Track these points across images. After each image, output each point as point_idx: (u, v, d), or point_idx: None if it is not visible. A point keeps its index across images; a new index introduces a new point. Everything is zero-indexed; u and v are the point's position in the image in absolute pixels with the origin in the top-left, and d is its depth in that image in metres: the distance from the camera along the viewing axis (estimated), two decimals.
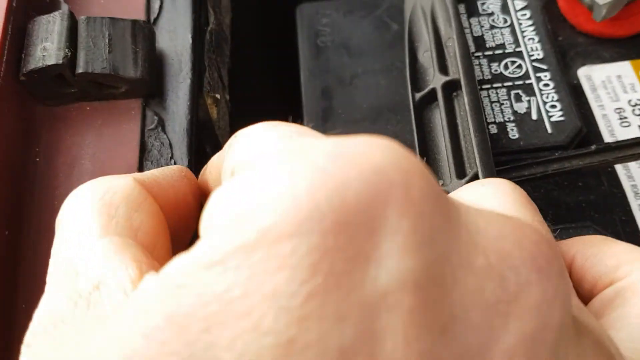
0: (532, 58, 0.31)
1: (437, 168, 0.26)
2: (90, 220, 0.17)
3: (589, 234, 0.27)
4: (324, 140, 0.13)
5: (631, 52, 0.32)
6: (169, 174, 0.20)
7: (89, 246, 0.16)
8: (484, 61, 0.31)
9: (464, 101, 0.25)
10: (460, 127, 0.26)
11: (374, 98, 0.32)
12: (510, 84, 0.30)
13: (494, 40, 0.32)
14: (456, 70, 0.26)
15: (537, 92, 0.30)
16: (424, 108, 0.27)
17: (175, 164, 0.24)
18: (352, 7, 0.36)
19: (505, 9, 0.33)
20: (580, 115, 0.29)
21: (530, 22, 0.32)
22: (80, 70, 0.24)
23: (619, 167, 0.29)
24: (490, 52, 0.31)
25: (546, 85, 0.30)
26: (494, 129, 0.29)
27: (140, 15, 0.27)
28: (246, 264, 0.11)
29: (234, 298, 0.11)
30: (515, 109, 0.29)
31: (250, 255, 0.11)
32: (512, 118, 0.29)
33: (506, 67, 0.31)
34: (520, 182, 0.24)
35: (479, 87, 0.28)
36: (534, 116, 0.29)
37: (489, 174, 0.24)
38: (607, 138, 0.30)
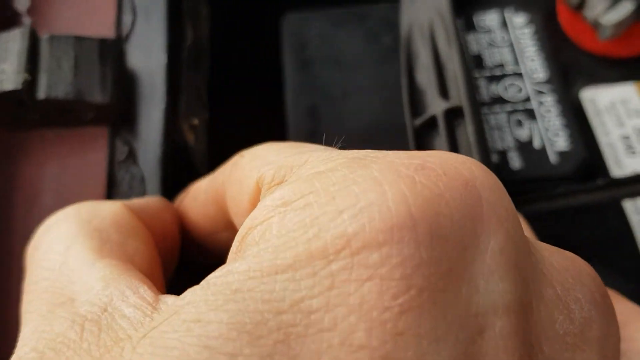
0: (533, 80, 0.29)
1: None
2: (81, 245, 0.15)
3: None
4: (387, 152, 0.12)
5: (636, 73, 0.31)
6: (153, 203, 0.19)
7: (84, 271, 0.14)
8: (482, 82, 0.29)
9: (466, 130, 0.24)
10: None
11: (366, 118, 0.30)
12: (510, 108, 0.28)
13: (492, 60, 0.30)
14: (457, 94, 0.24)
15: (539, 118, 0.28)
16: (424, 135, 0.25)
17: None
18: (341, 18, 0.33)
19: (504, 25, 0.31)
20: (585, 143, 0.27)
21: (530, 41, 0.30)
22: (41, 95, 0.21)
23: (625, 201, 0.27)
24: (488, 73, 0.29)
25: (548, 110, 0.28)
26: (494, 158, 0.27)
27: (110, 31, 0.24)
28: (325, 272, 0.10)
29: (313, 308, 0.10)
30: (516, 135, 0.28)
31: (331, 263, 0.10)
32: (512, 146, 0.27)
33: (505, 89, 0.29)
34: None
35: None
36: (537, 144, 0.27)
37: None
38: (613, 167, 0.28)
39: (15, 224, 0.21)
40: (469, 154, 0.23)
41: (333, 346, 0.10)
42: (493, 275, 0.11)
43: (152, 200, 0.19)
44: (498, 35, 0.31)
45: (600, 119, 0.29)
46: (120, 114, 0.23)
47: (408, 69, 0.27)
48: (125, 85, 0.23)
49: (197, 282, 0.23)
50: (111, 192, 0.22)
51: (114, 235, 0.16)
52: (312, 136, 0.30)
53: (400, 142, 0.29)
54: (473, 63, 0.30)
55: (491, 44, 0.30)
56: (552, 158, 0.27)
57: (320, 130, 0.30)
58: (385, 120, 0.30)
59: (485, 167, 0.12)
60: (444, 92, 0.25)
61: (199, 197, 0.19)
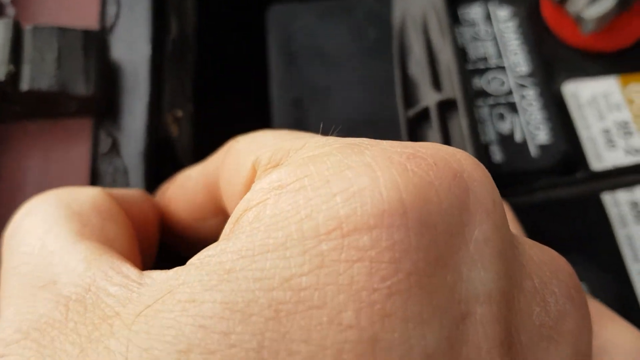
0: (516, 74, 0.29)
1: None
2: (61, 227, 0.15)
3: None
4: (381, 141, 0.13)
5: (617, 67, 0.31)
6: (132, 193, 0.19)
7: (64, 252, 0.14)
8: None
9: (459, 122, 0.24)
10: None
11: (351, 111, 0.30)
12: (492, 102, 0.29)
13: (476, 53, 0.30)
14: (450, 87, 0.25)
15: (520, 112, 0.28)
16: (416, 126, 0.25)
17: None
18: (327, 11, 0.34)
19: (488, 19, 0.31)
20: (566, 136, 0.28)
21: (514, 35, 0.31)
22: (24, 87, 0.21)
23: (604, 194, 0.28)
24: (472, 67, 0.30)
25: (530, 104, 0.28)
26: None
27: (94, 23, 0.24)
28: (315, 251, 0.10)
29: (303, 286, 0.10)
30: (498, 129, 0.28)
31: (321, 243, 0.11)
32: (494, 139, 0.27)
33: (488, 82, 0.29)
34: None
35: None
36: (518, 138, 0.27)
37: None
38: (593, 160, 0.28)
39: None
40: (462, 146, 0.24)
41: (322, 324, 0.10)
42: (476, 264, 0.11)
43: (131, 190, 0.19)
44: (482, 28, 0.31)
45: (581, 112, 0.29)
46: (103, 106, 0.23)
47: (401, 61, 0.27)
48: (108, 77, 0.23)
49: None
50: (94, 185, 0.22)
51: (93, 219, 0.16)
52: (298, 129, 0.30)
53: (386, 136, 0.29)
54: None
55: (475, 38, 0.31)
56: (533, 151, 0.27)
57: (306, 122, 0.30)
58: (371, 114, 0.30)
59: (475, 160, 0.13)
60: (436, 84, 0.26)
61: (187, 184, 0.20)
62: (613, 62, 0.31)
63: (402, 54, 0.28)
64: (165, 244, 0.21)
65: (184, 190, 0.20)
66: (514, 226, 0.19)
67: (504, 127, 0.28)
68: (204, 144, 0.29)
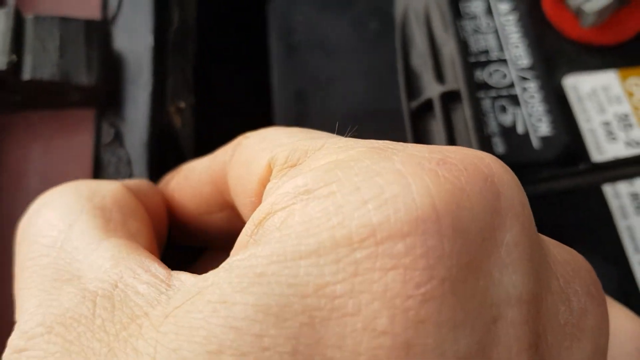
0: (517, 66, 0.29)
1: None
2: (85, 222, 0.15)
3: None
4: (405, 144, 0.13)
5: (617, 61, 0.31)
6: (146, 184, 0.19)
7: (90, 249, 0.14)
8: None
9: (463, 114, 0.24)
10: (458, 142, 0.24)
11: (353, 103, 0.30)
12: (494, 94, 0.29)
13: (477, 46, 0.30)
14: (454, 79, 0.25)
15: (522, 104, 0.28)
16: (420, 118, 0.25)
17: None
18: (328, 2, 0.33)
19: (489, 12, 0.31)
20: (567, 128, 0.28)
21: (515, 28, 0.31)
22: (26, 77, 0.21)
23: (605, 186, 0.28)
24: (473, 59, 0.30)
25: (532, 96, 0.28)
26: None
27: (96, 13, 0.24)
28: (349, 260, 0.10)
29: (337, 294, 0.10)
30: (500, 121, 0.28)
31: (355, 251, 0.11)
32: (496, 131, 0.28)
33: (490, 75, 0.29)
34: None
35: None
36: (520, 130, 0.28)
37: None
38: (594, 153, 0.28)
39: (1, 206, 0.21)
40: (466, 137, 0.24)
41: (356, 330, 0.10)
42: (507, 268, 0.11)
43: (141, 182, 0.19)
44: (483, 21, 0.31)
45: (582, 105, 0.29)
46: (106, 96, 0.23)
47: (403, 53, 0.27)
48: (111, 67, 0.23)
49: (182, 264, 0.23)
50: (97, 175, 0.22)
51: (115, 214, 0.16)
52: (299, 120, 0.30)
53: (387, 127, 0.29)
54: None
55: (476, 31, 0.31)
56: (535, 143, 0.27)
57: (308, 114, 0.30)
58: (372, 106, 0.30)
59: (502, 163, 0.13)
60: (439, 76, 0.26)
61: (192, 177, 0.19)
62: (613, 55, 0.31)
63: (404, 46, 0.28)
64: (171, 235, 0.21)
65: (188, 182, 0.19)
66: None
67: (506, 119, 0.28)
68: (206, 136, 0.29)
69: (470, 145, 0.24)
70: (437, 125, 0.25)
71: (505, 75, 0.29)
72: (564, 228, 0.27)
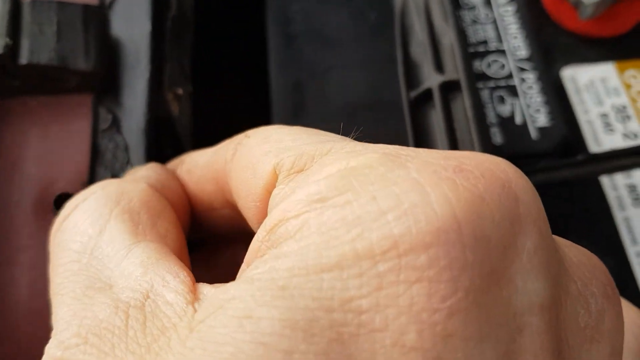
0: (516, 57, 0.29)
1: None
2: (114, 228, 0.15)
3: None
4: (418, 150, 0.13)
5: (615, 53, 0.31)
6: (165, 175, 0.19)
7: (120, 256, 0.14)
8: None
9: (462, 104, 0.24)
10: (458, 132, 0.24)
11: (350, 94, 0.30)
12: (493, 85, 0.29)
13: (475, 37, 0.30)
14: (453, 69, 0.25)
15: (520, 95, 0.28)
16: (419, 108, 0.25)
17: (132, 168, 0.22)
18: None
19: (487, 3, 0.31)
20: (565, 120, 0.28)
21: (513, 19, 0.31)
22: (23, 61, 0.21)
23: (603, 177, 0.28)
24: (472, 50, 0.30)
25: (530, 87, 0.28)
26: None
27: None
28: (372, 273, 0.10)
29: (363, 309, 0.10)
30: (498, 112, 0.28)
31: (377, 263, 0.10)
32: (495, 122, 0.27)
33: (489, 65, 0.29)
34: None
35: None
36: (518, 120, 0.27)
37: None
38: (592, 144, 0.28)
39: None
40: (466, 127, 0.24)
41: (386, 346, 0.10)
42: (529, 275, 0.11)
43: (161, 170, 0.19)
44: (482, 12, 0.31)
45: (580, 97, 0.29)
46: (104, 82, 0.22)
47: (403, 43, 0.27)
48: (109, 53, 0.23)
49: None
50: (95, 161, 0.22)
51: (144, 217, 0.16)
52: (297, 111, 0.30)
53: (386, 118, 0.29)
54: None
55: (475, 21, 0.31)
56: (533, 134, 0.27)
57: (305, 105, 0.30)
58: (370, 97, 0.30)
59: (517, 169, 0.12)
60: (439, 66, 0.26)
61: (195, 172, 0.19)
62: (611, 47, 0.31)
63: (404, 35, 0.28)
64: None
65: (191, 177, 0.19)
66: None
67: (505, 109, 0.28)
68: (204, 125, 0.29)
69: (469, 135, 0.24)
70: (436, 115, 0.25)
71: (503, 66, 0.29)
72: (561, 219, 0.27)
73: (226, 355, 0.10)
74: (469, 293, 0.10)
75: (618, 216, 0.27)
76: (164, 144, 0.24)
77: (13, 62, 0.21)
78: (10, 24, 0.21)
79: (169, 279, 0.13)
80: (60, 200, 0.21)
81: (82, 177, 0.21)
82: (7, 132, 0.22)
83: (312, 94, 0.30)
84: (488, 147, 0.24)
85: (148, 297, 0.13)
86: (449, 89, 0.25)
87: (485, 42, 0.30)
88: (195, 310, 0.12)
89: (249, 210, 0.16)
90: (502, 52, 0.30)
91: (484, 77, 0.29)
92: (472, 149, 0.24)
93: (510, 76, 0.29)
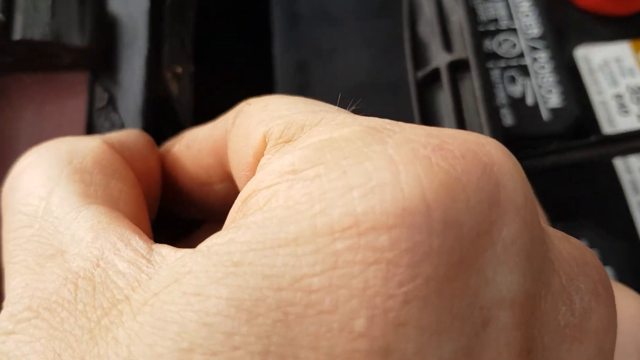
0: (527, 36, 0.28)
1: None
2: (64, 188, 0.14)
3: (582, 234, 0.25)
4: (404, 125, 0.12)
5: (630, 32, 0.30)
6: (135, 138, 0.18)
7: (70, 217, 0.13)
8: None
9: (471, 84, 0.23)
10: (466, 113, 0.23)
11: (356, 73, 0.29)
12: (503, 64, 0.28)
13: (486, 15, 0.29)
14: (462, 47, 0.24)
15: (532, 74, 0.27)
16: (426, 88, 0.25)
17: None
18: None
19: None
20: (578, 100, 0.27)
21: None
22: (17, 36, 0.20)
23: (616, 160, 0.27)
24: (482, 28, 0.29)
25: (542, 67, 0.27)
26: None
27: None
28: (329, 250, 0.10)
29: (314, 288, 0.09)
30: (509, 92, 0.27)
31: (335, 241, 0.10)
32: (505, 102, 0.27)
33: (499, 44, 0.28)
34: None
35: None
36: (529, 101, 0.27)
37: None
38: (605, 126, 0.27)
39: None
40: (474, 109, 0.23)
41: (332, 330, 0.09)
42: (503, 266, 0.10)
43: (132, 134, 0.18)
44: None
45: (593, 77, 0.28)
46: (100, 59, 0.22)
47: (410, 21, 0.26)
48: (105, 30, 0.22)
49: (181, 237, 0.22)
50: None
51: (97, 177, 0.15)
52: (302, 92, 0.29)
53: (393, 99, 0.29)
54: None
55: None
56: (545, 115, 0.26)
57: (310, 85, 0.29)
58: (376, 77, 0.29)
59: (506, 150, 0.11)
60: (447, 45, 0.25)
61: (194, 145, 0.18)
62: (626, 26, 0.30)
63: (411, 14, 0.27)
64: (164, 206, 0.20)
65: (190, 151, 0.19)
66: (541, 217, 0.18)
67: (515, 90, 0.27)
68: (205, 106, 0.28)
69: (478, 117, 0.23)
70: (444, 95, 0.24)
71: (514, 45, 0.28)
72: (572, 202, 0.26)
73: (171, 334, 0.10)
74: (430, 280, 0.09)
75: (632, 200, 0.26)
76: (162, 124, 0.23)
77: (6, 38, 0.20)
78: (3, 0, 0.21)
79: (120, 246, 0.12)
80: None
81: None
82: (1, 109, 0.21)
83: (317, 75, 0.30)
84: (497, 128, 0.23)
85: (98, 265, 0.12)
86: (458, 68, 0.24)
87: (495, 21, 0.29)
88: (149, 278, 0.11)
89: (240, 181, 0.15)
90: (513, 30, 0.29)
91: (495, 56, 0.28)
92: (480, 130, 0.23)
93: (521, 55, 0.28)
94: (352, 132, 0.11)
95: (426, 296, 0.09)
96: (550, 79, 0.27)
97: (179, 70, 0.24)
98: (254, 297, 0.10)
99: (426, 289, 0.09)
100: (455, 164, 0.10)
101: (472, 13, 0.26)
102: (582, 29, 0.30)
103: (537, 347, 0.11)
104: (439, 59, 0.25)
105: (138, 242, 0.12)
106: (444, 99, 0.24)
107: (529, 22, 0.29)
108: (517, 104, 0.27)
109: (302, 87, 0.29)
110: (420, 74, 0.25)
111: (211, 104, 0.29)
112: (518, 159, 0.24)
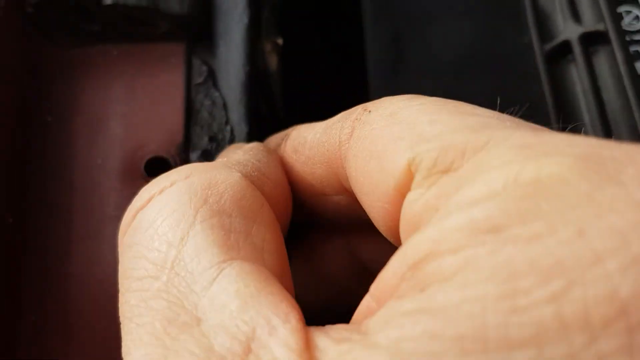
0: None
1: None
2: (199, 234, 0.12)
3: None
4: (628, 148, 0.09)
5: None
6: (266, 161, 0.15)
7: (208, 275, 0.11)
8: None
9: (608, 59, 0.20)
10: (604, 93, 0.20)
11: (457, 46, 0.26)
12: (628, 38, 0.25)
13: None
14: (592, 18, 0.21)
15: None
16: (553, 64, 0.22)
17: (231, 130, 0.19)
18: None
19: None
20: None
21: None
22: (108, 1, 0.18)
23: None
24: None
25: None
26: None
27: None
28: (589, 355, 0.07)
29: None
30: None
31: (597, 340, 0.07)
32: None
33: (621, 17, 0.25)
34: None
35: None
36: None
37: None
38: None
39: (77, 154, 0.18)
40: (615, 87, 0.20)
41: None
42: None
43: (263, 156, 0.15)
44: None
45: None
46: (198, 28, 0.19)
47: None
48: None
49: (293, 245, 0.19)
50: (189, 120, 0.19)
51: (237, 221, 0.12)
52: (396, 66, 0.26)
53: (499, 73, 0.26)
54: None
55: None
56: None
57: (405, 59, 0.26)
58: (480, 48, 0.26)
59: None
60: (575, 15, 0.22)
61: (303, 151, 0.16)
62: None
63: None
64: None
65: (298, 156, 0.16)
66: None
67: None
68: (292, 81, 0.25)
69: (618, 95, 0.20)
70: (577, 71, 0.21)
71: (637, 18, 0.25)
72: None
73: None
74: None
75: None
76: (259, 102, 0.21)
77: (96, 2, 0.18)
78: None
79: (275, 323, 0.10)
80: (152, 165, 0.18)
81: (175, 138, 0.18)
82: (88, 86, 0.19)
83: (413, 46, 0.27)
84: None
85: (250, 350, 0.10)
86: (590, 41, 0.22)
87: None
88: None
89: (373, 209, 0.13)
90: (635, 2, 0.26)
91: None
92: (626, 113, 0.20)
93: None
94: (567, 168, 0.09)
95: None
96: None
97: (280, 41, 0.21)
98: None
99: None
100: None
101: None
102: None
103: None
104: (568, 30, 0.22)
105: (296, 320, 0.10)
106: (577, 74, 0.22)
107: None
108: None
109: (397, 61, 0.26)
110: (547, 46, 0.22)
111: (298, 80, 0.27)
112: None
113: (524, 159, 0.09)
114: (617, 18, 0.21)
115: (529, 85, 0.24)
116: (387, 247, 0.13)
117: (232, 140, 0.18)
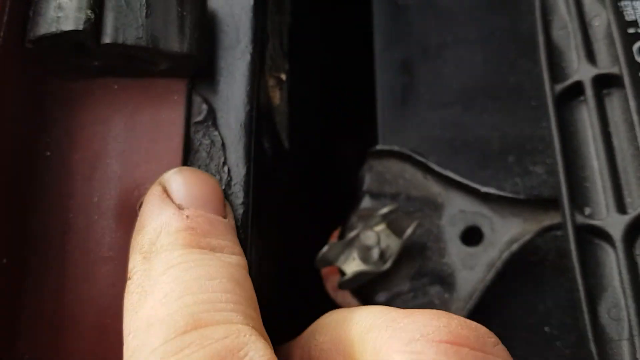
0: None
1: (583, 190, 0.20)
2: None
3: None
4: None
5: None
6: None
7: None
8: None
9: (621, 104, 0.20)
10: (615, 138, 0.20)
11: (468, 76, 0.26)
12: None
13: (635, 14, 0.25)
14: (608, 59, 0.21)
15: None
16: (563, 105, 0.21)
17: (229, 170, 0.18)
18: None
19: None
20: None
21: None
22: (107, 40, 0.18)
23: None
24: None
25: None
26: None
27: None
28: None
29: None
30: None
31: None
32: None
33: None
34: None
35: None
36: None
37: None
38: None
39: (74, 192, 0.18)
40: (626, 134, 0.19)
41: None
42: None
43: None
44: None
45: None
46: (199, 66, 0.19)
47: (544, 24, 0.22)
48: (206, 31, 0.19)
49: None
50: (187, 160, 0.18)
51: None
52: (406, 95, 0.26)
53: (511, 106, 0.25)
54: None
55: None
56: None
57: (414, 87, 0.26)
58: (492, 80, 0.26)
59: None
60: (590, 55, 0.21)
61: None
62: None
63: (544, 16, 0.23)
64: None
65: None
66: None
67: None
68: (298, 111, 0.25)
69: (630, 144, 0.20)
70: (587, 114, 0.21)
71: None
72: None
73: None
74: None
75: None
76: (262, 138, 0.21)
77: (95, 40, 0.18)
78: None
79: None
80: None
81: None
82: (87, 121, 0.19)
83: (424, 75, 0.26)
84: None
85: None
86: (604, 83, 0.21)
87: (636, 23, 0.25)
88: None
89: None
90: None
91: (637, 66, 0.24)
92: (636, 162, 0.19)
93: None
94: None
95: None
96: None
97: (282, 75, 0.21)
98: None
99: None
100: None
101: (621, 18, 0.22)
102: None
103: None
104: (582, 71, 0.21)
105: None
106: (587, 117, 0.21)
107: None
108: None
109: (406, 90, 0.26)
110: (558, 87, 0.22)
111: (304, 110, 0.26)
112: None
113: None
114: (632, 61, 0.20)
115: (541, 119, 0.23)
116: None
117: (229, 182, 0.18)
